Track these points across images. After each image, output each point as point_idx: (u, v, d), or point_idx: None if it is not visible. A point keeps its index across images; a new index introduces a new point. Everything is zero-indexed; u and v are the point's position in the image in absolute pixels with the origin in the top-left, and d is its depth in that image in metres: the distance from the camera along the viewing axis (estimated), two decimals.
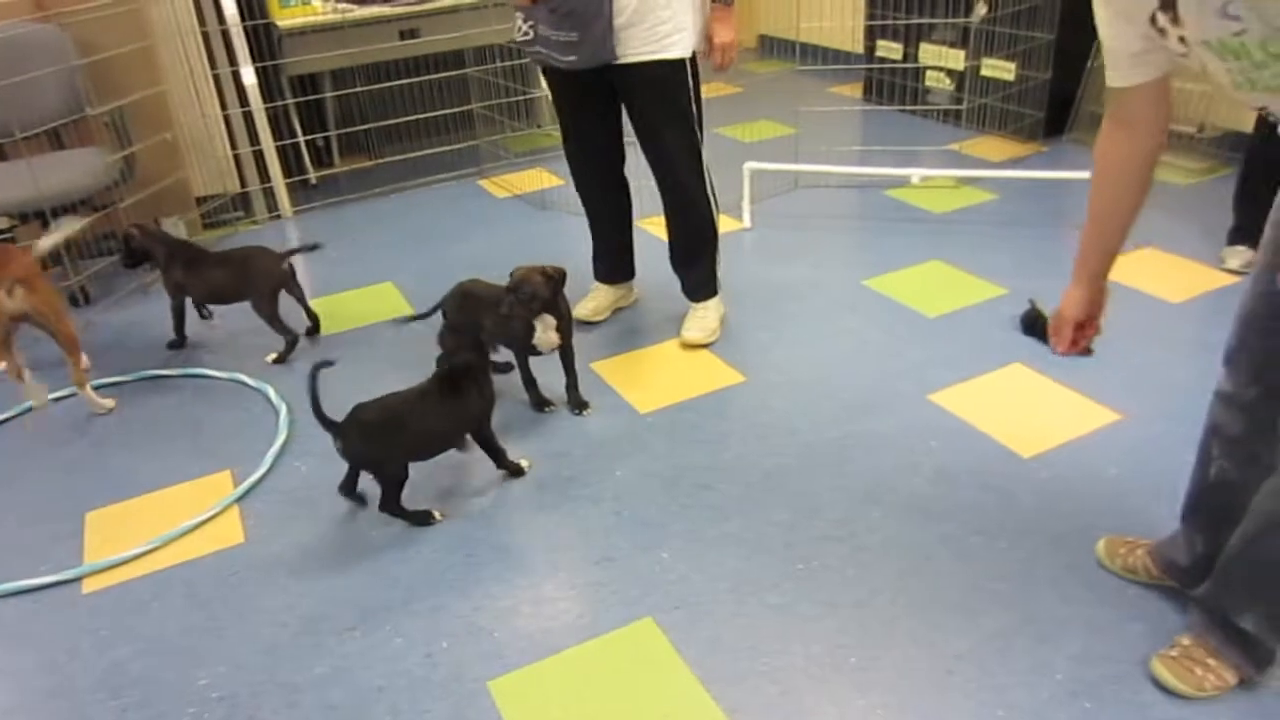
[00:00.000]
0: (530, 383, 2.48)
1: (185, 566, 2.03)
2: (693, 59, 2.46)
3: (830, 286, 3.03)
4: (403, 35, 3.93)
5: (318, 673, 1.73)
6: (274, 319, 2.79)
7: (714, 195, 2.67)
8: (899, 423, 2.32)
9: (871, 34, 4.79)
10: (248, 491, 2.25)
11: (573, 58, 2.41)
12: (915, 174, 3.69)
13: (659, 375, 2.62)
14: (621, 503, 2.12)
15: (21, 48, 3.30)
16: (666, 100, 2.48)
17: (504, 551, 2.00)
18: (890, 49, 4.72)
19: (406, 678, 1.70)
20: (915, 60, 4.56)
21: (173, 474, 2.33)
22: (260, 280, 2.77)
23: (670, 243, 2.78)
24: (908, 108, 4.66)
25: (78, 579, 2.01)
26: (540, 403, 2.48)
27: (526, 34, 2.47)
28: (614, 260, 2.95)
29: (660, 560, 1.94)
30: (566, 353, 2.45)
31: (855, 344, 2.69)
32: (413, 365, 2.69)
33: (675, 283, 2.81)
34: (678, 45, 2.40)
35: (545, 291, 2.28)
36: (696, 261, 2.76)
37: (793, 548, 1.94)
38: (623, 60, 2.40)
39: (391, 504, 2.07)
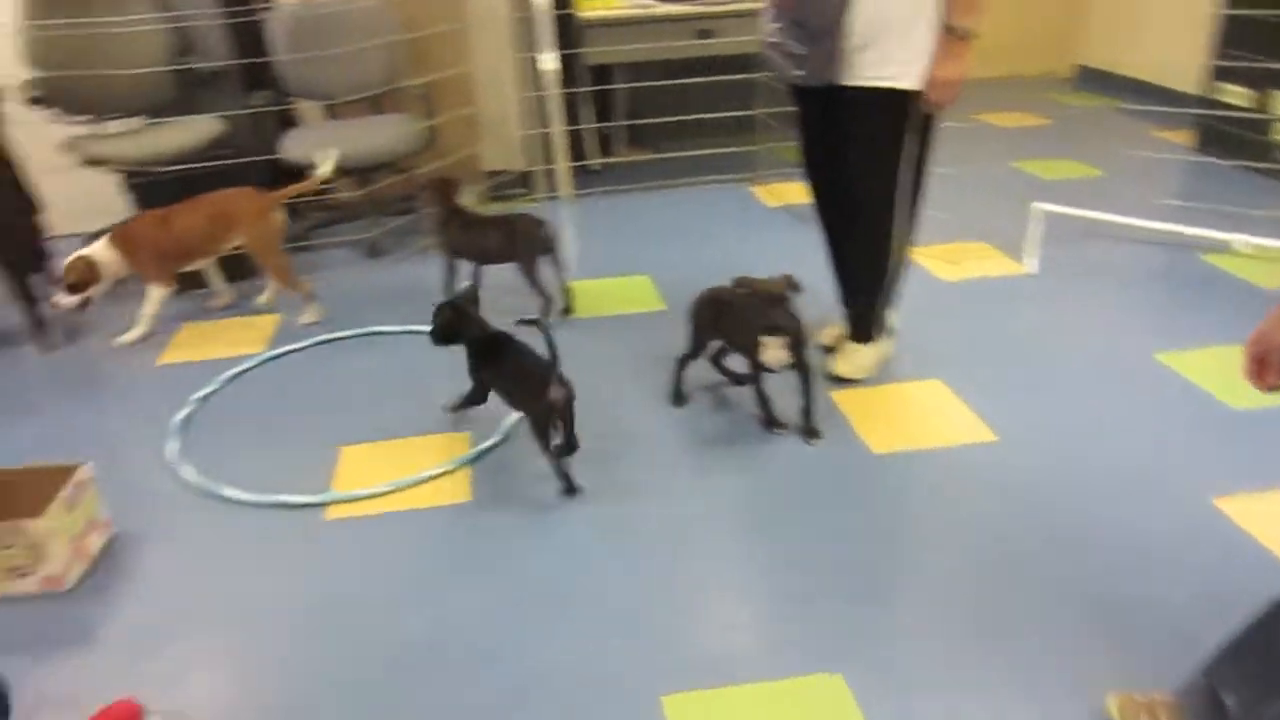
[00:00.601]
0: (762, 399, 2.41)
1: (415, 514, 2.16)
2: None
3: (1115, 353, 2.71)
4: (699, 34, 3.97)
5: (501, 642, 1.78)
6: (536, 280, 2.93)
7: (902, 240, 2.47)
8: (1167, 523, 2.02)
9: (1215, 75, 4.24)
10: (481, 455, 2.36)
11: (800, 72, 2.33)
12: (1242, 240, 3.22)
13: (901, 416, 2.47)
14: (834, 543, 2.00)
15: (356, 21, 3.67)
16: (880, 131, 2.31)
17: (704, 566, 1.96)
18: (1236, 94, 4.15)
19: (581, 669, 1.71)
20: (1268, 110, 3.98)
21: (420, 425, 2.50)
22: (528, 243, 2.91)
23: (846, 278, 2.63)
24: (1250, 164, 4.09)
25: (322, 505, 2.20)
26: (770, 421, 2.42)
27: (772, 38, 2.41)
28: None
29: (864, 615, 1.81)
30: (803, 374, 2.36)
31: (1133, 422, 2.38)
32: (644, 359, 2.71)
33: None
34: (906, 76, 2.22)
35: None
36: (857, 299, 2.61)
37: (1012, 637, 1.75)
38: (846, 83, 2.27)
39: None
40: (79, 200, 3.71)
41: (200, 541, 2.11)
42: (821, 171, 2.60)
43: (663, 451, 2.34)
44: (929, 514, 2.09)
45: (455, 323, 2.35)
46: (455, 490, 2.24)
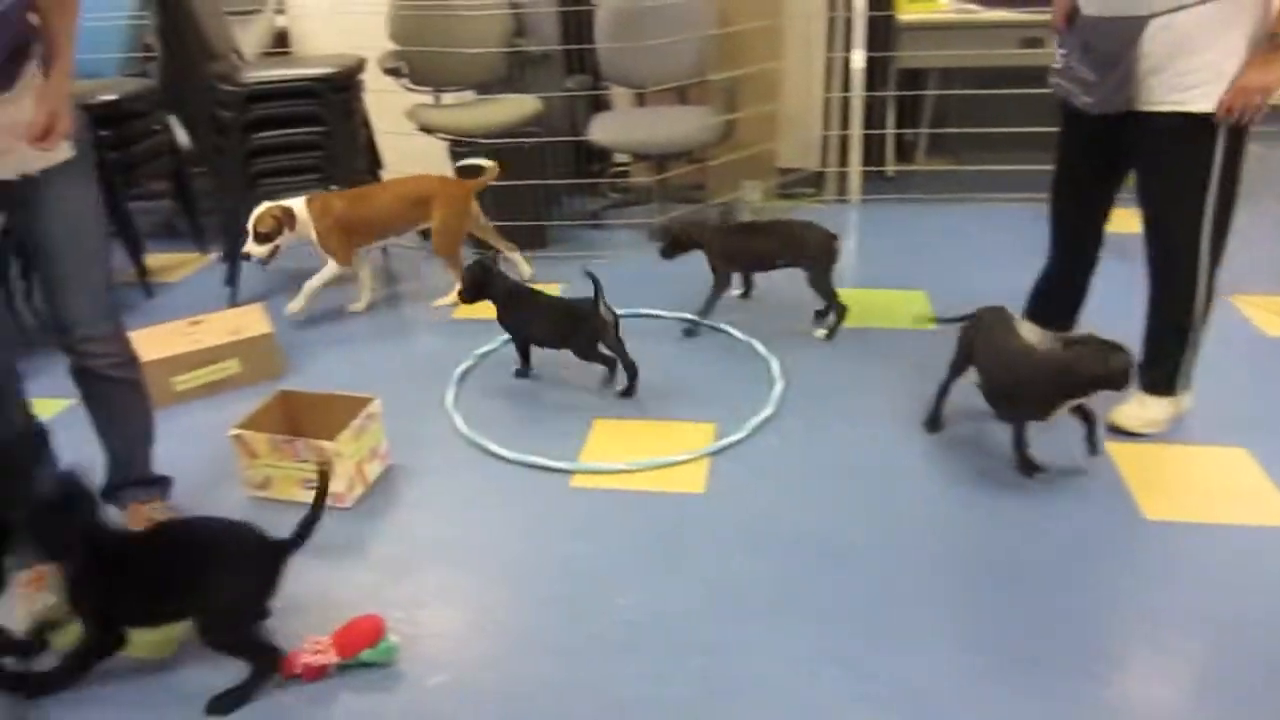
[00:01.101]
0: (1020, 440, 2.23)
1: (649, 496, 2.23)
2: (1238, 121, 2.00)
3: None
4: (1024, 43, 3.70)
5: (702, 637, 1.80)
6: (829, 288, 2.88)
7: (1209, 282, 2.18)
8: None
9: None
10: (722, 449, 2.39)
11: (1089, 99, 2.17)
12: None
13: (1187, 482, 2.19)
14: (1078, 608, 1.82)
15: (675, 14, 3.78)
16: (1182, 160, 2.08)
17: (926, 611, 1.85)
18: None
19: (780, 682, 1.69)
20: None
21: (670, 410, 2.57)
22: (816, 251, 2.87)
23: (1146, 321, 2.32)
24: None
25: (569, 472, 2.33)
26: (1027, 466, 2.23)
27: (1059, 63, 2.28)
28: (1051, 300, 2.61)
29: (1100, 699, 1.64)
30: (1089, 422, 2.17)
31: None
32: (906, 379, 2.60)
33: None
34: (1209, 97, 1.97)
35: None
36: (1158, 348, 2.31)
37: None
38: (1139, 108, 2.08)
39: None
40: (414, 163, 4.17)
41: (460, 485, 2.32)
42: (1070, 201, 2.47)
43: (907, 481, 2.25)
44: (1203, 600, 1.84)
45: (482, 279, 2.68)
46: (691, 479, 2.29)
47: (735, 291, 3.21)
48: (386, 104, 3.81)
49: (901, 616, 1.84)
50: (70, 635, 1.79)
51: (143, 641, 1.80)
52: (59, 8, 1.78)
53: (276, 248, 3.06)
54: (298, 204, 3.08)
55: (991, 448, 2.33)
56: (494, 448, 2.42)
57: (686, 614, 1.87)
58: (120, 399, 2.07)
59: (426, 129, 3.72)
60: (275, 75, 3.15)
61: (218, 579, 1.69)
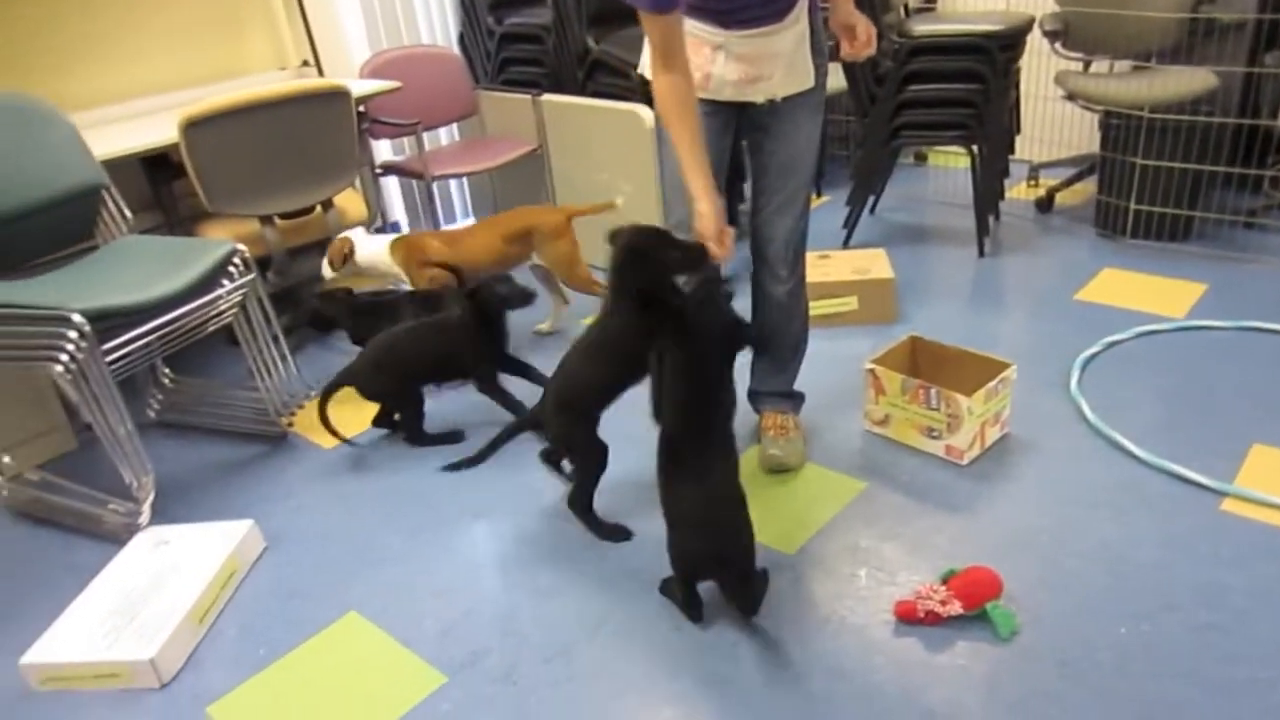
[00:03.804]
0: None
1: None
2: None
3: None
4: None
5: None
6: None
7: None
8: None
9: None
10: None
11: None
12: None
13: None
14: None
15: None
16: None
17: None
18: None
19: None
20: None
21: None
22: None
23: None
24: None
25: (1220, 493, 2.07)
26: None
27: None
28: None
29: None
30: None
31: None
32: None
33: None
34: None
35: None
36: None
37: None
38: None
39: None
40: (1054, 132, 3.99)
41: (1080, 474, 2.17)
42: None
43: None
44: None
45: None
46: None
47: None
48: (1031, 67, 3.66)
49: None
50: None
51: None
52: None
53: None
54: (378, 244, 2.90)
55: None
56: (1130, 446, 2.23)
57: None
58: (782, 316, 2.27)
59: (1074, 97, 3.49)
60: (946, 29, 3.17)
61: None
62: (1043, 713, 1.57)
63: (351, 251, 2.89)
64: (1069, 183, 3.86)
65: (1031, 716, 1.56)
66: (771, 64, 1.95)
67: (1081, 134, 4.00)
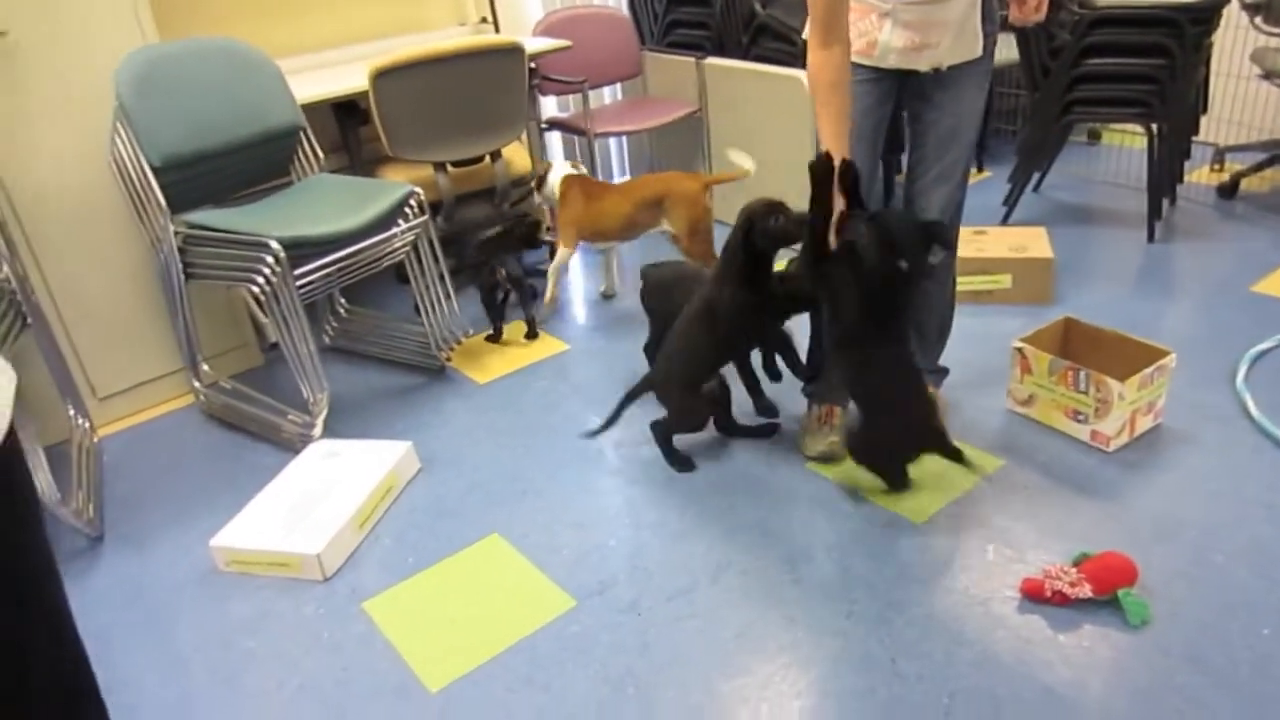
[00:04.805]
0: None
1: None
2: None
3: None
4: None
5: None
6: None
7: None
8: None
9: None
10: None
11: None
12: None
13: None
14: None
15: None
16: None
17: None
18: None
19: None
20: None
21: None
22: None
23: None
24: None
25: None
26: None
27: None
28: None
29: None
30: None
31: None
32: None
33: None
34: None
35: None
36: None
37: None
38: None
39: None
40: (1244, 113, 3.74)
41: (1237, 470, 2.08)
42: None
43: None
44: None
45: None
46: None
47: None
48: (1229, 43, 3.43)
49: None
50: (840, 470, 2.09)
51: None
52: None
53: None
54: (557, 177, 3.04)
55: None
56: None
57: None
58: (934, 292, 2.25)
59: (1271, 76, 3.26)
60: (1134, 0, 3.01)
61: None
62: (1170, 704, 1.54)
63: (545, 175, 3.10)
64: (1257, 168, 3.61)
65: (1157, 706, 1.54)
66: (940, 31, 1.94)
67: (1275, 116, 3.72)
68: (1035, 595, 1.78)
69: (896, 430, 2.03)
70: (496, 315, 3.01)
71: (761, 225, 2.02)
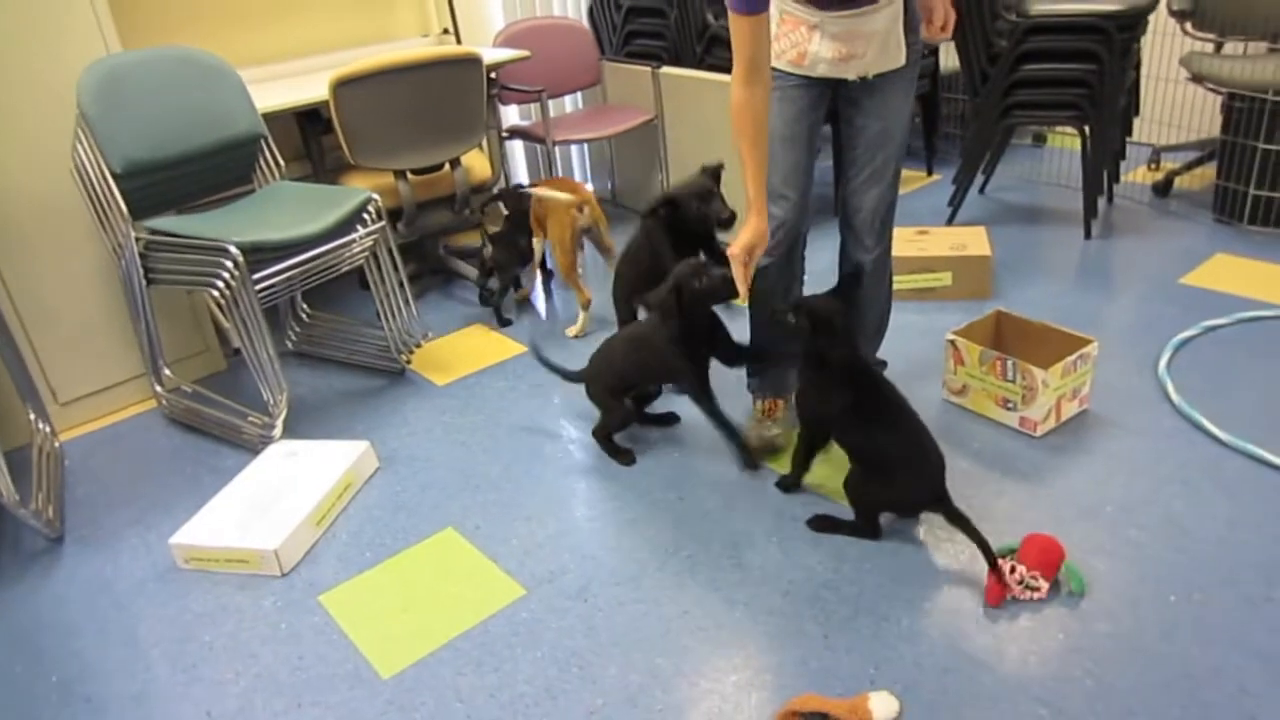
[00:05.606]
0: None
1: None
2: None
3: None
4: None
5: None
6: None
7: None
8: None
9: None
10: None
11: None
12: None
13: None
14: None
15: None
16: None
17: None
18: None
19: None
20: None
21: None
22: None
23: None
24: None
25: None
26: None
27: None
28: None
29: None
30: None
31: None
32: None
33: None
34: None
35: None
36: None
37: None
38: None
39: None
40: (1178, 115, 3.88)
41: (1156, 453, 2.19)
42: None
43: None
44: None
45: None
46: None
47: None
48: (1159, 48, 3.56)
49: None
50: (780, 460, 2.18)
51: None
52: None
53: None
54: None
55: None
56: (1211, 427, 2.23)
57: None
58: (870, 288, 2.35)
59: (1200, 79, 3.39)
60: (1065, 9, 3.14)
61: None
62: (1081, 666, 1.64)
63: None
64: (1189, 167, 3.75)
65: (1067, 668, 1.64)
66: (865, 43, 2.04)
67: (1206, 118, 3.87)
68: (1000, 602, 1.82)
69: (910, 485, 1.96)
70: (490, 301, 3.24)
71: (688, 286, 2.13)
